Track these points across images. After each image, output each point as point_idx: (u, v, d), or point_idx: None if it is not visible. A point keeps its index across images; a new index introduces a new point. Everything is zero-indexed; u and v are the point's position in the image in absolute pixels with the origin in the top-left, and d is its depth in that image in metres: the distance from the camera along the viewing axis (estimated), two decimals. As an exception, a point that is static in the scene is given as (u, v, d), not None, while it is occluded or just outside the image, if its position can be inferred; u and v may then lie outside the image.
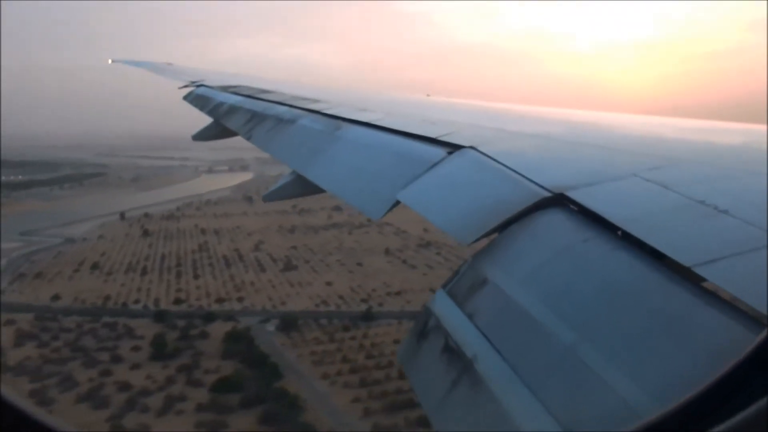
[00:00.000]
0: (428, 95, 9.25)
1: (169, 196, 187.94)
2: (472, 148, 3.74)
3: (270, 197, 5.68)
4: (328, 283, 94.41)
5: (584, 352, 1.88)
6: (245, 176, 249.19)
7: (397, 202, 3.50)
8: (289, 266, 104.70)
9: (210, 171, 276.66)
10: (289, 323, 75.63)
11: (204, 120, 8.78)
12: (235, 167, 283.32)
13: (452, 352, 2.32)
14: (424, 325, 2.59)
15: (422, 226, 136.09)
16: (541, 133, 4.55)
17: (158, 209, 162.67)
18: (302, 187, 5.20)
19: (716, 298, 1.82)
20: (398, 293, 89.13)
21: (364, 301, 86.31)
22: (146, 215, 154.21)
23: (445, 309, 2.56)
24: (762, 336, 1.37)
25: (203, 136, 8.78)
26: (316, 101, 6.66)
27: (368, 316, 78.66)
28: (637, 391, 1.67)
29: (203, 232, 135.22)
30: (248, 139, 6.77)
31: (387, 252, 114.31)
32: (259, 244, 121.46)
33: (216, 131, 8.42)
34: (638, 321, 1.91)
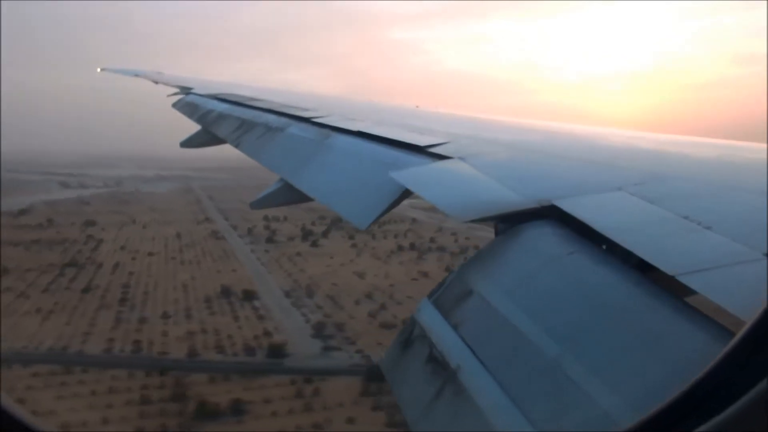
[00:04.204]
0: (417, 107, 8.75)
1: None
2: (460, 159, 3.79)
3: (257, 205, 5.63)
4: None
5: (567, 364, 1.88)
6: (97, 191, 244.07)
7: (387, 210, 3.62)
8: None
9: (80, 186, 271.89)
10: None
11: (193, 127, 8.80)
12: (110, 183, 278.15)
13: (436, 362, 2.31)
14: (409, 334, 2.56)
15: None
16: (529, 146, 4.59)
17: None
18: (289, 195, 5.22)
19: (697, 312, 1.85)
20: None
21: None
22: None
23: (431, 319, 2.54)
24: (739, 336, 1.37)
25: (191, 143, 8.75)
26: (305, 110, 6.74)
27: None
28: (619, 402, 1.67)
29: None
30: (236, 146, 6.87)
31: (26, 271, 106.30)
32: None
33: (204, 139, 8.40)
34: (622, 334, 1.93)
